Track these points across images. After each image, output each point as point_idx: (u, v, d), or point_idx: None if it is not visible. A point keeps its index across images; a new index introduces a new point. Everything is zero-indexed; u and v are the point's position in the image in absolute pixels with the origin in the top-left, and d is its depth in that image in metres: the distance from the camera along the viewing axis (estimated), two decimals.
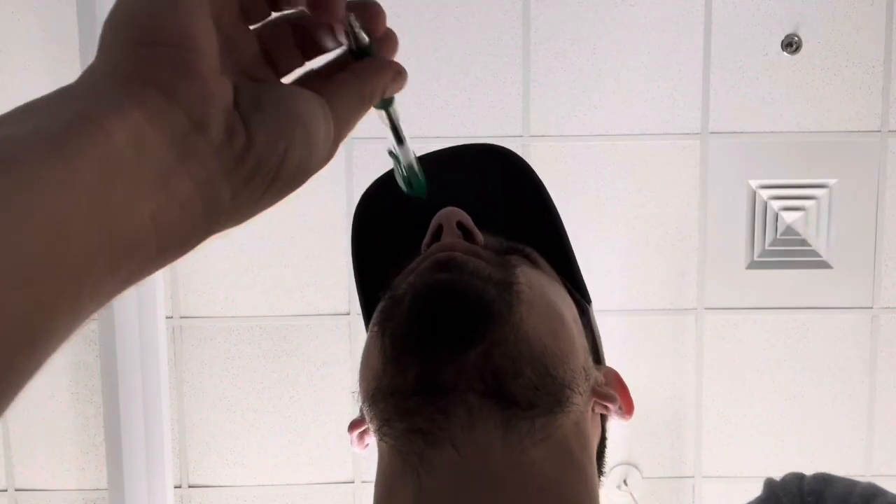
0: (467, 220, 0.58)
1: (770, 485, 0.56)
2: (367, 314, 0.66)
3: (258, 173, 0.34)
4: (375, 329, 0.52)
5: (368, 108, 0.41)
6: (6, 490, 1.84)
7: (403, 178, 0.48)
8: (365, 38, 0.39)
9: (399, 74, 0.41)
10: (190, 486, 1.85)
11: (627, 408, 0.57)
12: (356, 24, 0.39)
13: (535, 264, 0.59)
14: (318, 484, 1.84)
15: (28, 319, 0.25)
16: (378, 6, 0.40)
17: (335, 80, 0.39)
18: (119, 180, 0.29)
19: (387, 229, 0.65)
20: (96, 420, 1.81)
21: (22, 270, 0.25)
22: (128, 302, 1.66)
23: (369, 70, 0.40)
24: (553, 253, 0.63)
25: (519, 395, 0.47)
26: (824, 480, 0.55)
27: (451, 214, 0.58)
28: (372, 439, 0.56)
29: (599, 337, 0.63)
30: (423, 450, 0.47)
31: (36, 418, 1.82)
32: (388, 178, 0.67)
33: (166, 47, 0.32)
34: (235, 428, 1.83)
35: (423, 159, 0.68)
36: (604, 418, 0.58)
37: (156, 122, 0.31)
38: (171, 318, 1.79)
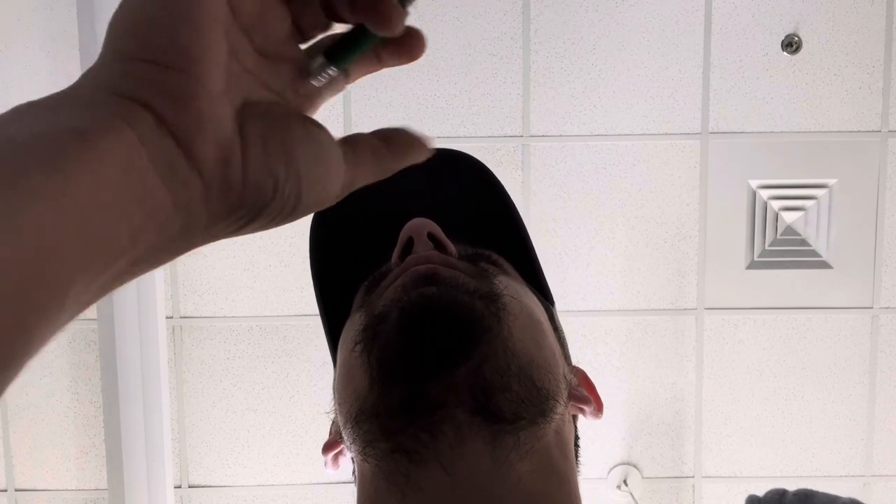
0: (438, 231, 0.56)
1: (752, 502, 0.57)
2: (329, 327, 0.63)
3: (241, 208, 0.33)
4: (360, 348, 0.50)
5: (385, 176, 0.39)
6: (6, 490, 1.84)
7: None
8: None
9: (422, 145, 0.40)
10: (190, 486, 1.85)
11: (598, 407, 0.58)
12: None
13: (503, 270, 0.58)
14: (318, 484, 1.84)
15: (5, 338, 0.25)
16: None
17: (364, 145, 0.37)
18: (105, 202, 0.28)
19: (348, 239, 0.63)
20: (96, 420, 1.81)
21: (8, 285, 0.25)
22: (128, 302, 1.66)
23: (401, 144, 0.38)
24: (516, 255, 0.62)
25: (506, 409, 0.47)
26: (805, 496, 0.55)
27: (422, 226, 0.55)
28: (345, 460, 0.55)
29: (564, 337, 0.62)
30: (409, 469, 0.46)
31: (36, 418, 1.82)
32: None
33: (165, 69, 0.31)
34: (235, 428, 1.83)
35: None
36: (575, 417, 0.58)
37: (145, 144, 0.30)
38: (171, 318, 1.79)
